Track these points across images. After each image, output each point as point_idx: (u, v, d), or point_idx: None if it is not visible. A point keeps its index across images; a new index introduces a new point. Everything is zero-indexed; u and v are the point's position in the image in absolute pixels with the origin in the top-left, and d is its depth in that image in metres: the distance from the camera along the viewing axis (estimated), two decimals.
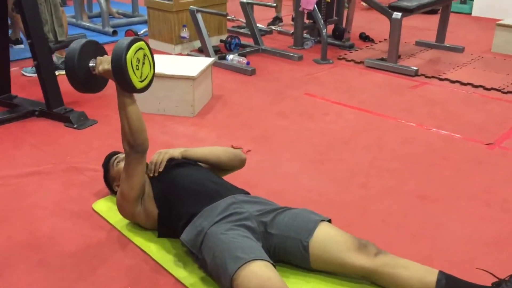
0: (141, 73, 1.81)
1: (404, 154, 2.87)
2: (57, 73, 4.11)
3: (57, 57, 4.25)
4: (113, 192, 2.31)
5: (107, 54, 1.91)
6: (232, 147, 2.88)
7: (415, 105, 3.64)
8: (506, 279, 1.66)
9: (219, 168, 2.20)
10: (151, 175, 2.03)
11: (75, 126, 3.18)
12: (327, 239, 1.74)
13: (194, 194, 1.93)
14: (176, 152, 2.11)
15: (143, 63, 1.82)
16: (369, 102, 3.69)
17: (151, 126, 3.22)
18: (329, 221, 1.86)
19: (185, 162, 2.13)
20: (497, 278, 1.67)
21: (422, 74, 4.29)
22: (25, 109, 3.33)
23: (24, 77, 4.17)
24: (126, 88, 1.80)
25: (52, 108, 3.27)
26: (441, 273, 1.65)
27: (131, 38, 1.79)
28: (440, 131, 3.19)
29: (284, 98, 3.78)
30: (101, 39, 5.34)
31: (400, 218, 2.25)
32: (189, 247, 1.81)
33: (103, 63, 1.82)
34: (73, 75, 1.85)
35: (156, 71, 3.30)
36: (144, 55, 1.82)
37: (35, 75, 3.60)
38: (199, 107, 3.50)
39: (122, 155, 2.20)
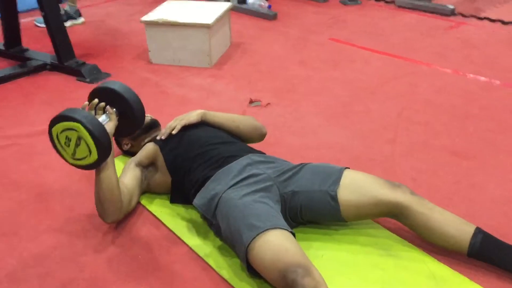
0: (74, 152, 1.57)
1: (437, 105, 2.64)
2: (70, 23, 3.98)
3: (69, 6, 4.07)
4: (123, 151, 2.19)
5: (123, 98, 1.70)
6: (251, 100, 2.71)
7: (451, 49, 3.35)
8: None
9: (236, 136, 2.04)
10: (163, 138, 1.89)
11: (87, 80, 3.04)
12: (356, 183, 1.63)
13: (207, 158, 1.78)
14: (193, 116, 1.94)
15: (78, 145, 1.55)
16: (400, 46, 3.42)
17: (166, 78, 3.07)
18: None
19: (198, 124, 1.98)
20: None
21: (459, 13, 3.94)
22: (36, 63, 3.20)
23: (37, 28, 4.03)
24: None
25: (63, 62, 3.14)
26: (479, 228, 1.55)
27: (65, 114, 1.54)
28: (478, 77, 2.92)
29: (308, 44, 3.54)
30: None
31: (432, 177, 2.07)
32: (203, 212, 1.69)
33: None
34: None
35: (169, 19, 3.16)
36: (80, 138, 1.54)
37: None
38: (217, 56, 3.30)
39: None
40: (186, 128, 1.92)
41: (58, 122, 1.56)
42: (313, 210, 1.67)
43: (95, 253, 1.72)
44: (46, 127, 2.50)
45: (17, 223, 1.88)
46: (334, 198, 1.62)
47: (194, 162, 1.79)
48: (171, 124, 1.93)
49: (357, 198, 1.61)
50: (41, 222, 1.89)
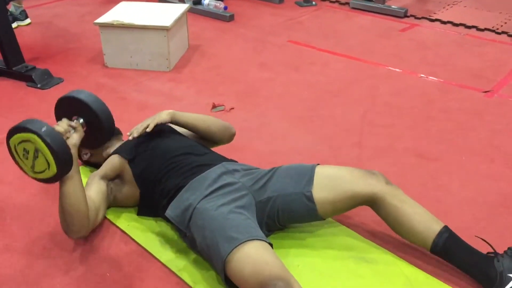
0: (33, 164, 1.48)
1: (398, 107, 2.68)
2: (15, 24, 3.78)
3: (14, 6, 3.86)
4: (82, 161, 2.07)
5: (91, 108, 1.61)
6: (214, 105, 2.66)
7: (406, 50, 3.42)
8: (502, 253, 1.54)
9: (206, 138, 1.98)
10: (135, 135, 1.77)
11: (38, 85, 2.88)
12: (329, 179, 1.63)
13: (179, 167, 1.71)
14: (164, 115, 1.84)
15: (36, 157, 1.47)
16: (357, 48, 3.46)
17: (123, 83, 2.96)
18: None
19: (165, 131, 1.90)
20: (494, 249, 1.57)
21: (411, 15, 4.04)
22: None
23: None
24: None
25: (12, 66, 2.95)
26: (446, 227, 1.58)
27: (21, 125, 1.45)
28: (435, 78, 2.99)
29: (267, 46, 3.51)
30: None
31: (399, 179, 2.04)
32: (176, 223, 1.62)
33: None
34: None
35: (126, 21, 3.05)
36: (37, 150, 1.45)
37: None
38: (175, 60, 3.21)
39: None
40: (153, 137, 1.84)
41: (15, 134, 1.47)
42: (291, 213, 1.66)
43: (60, 274, 1.61)
44: None
45: None
46: (310, 198, 1.61)
47: (165, 172, 1.71)
48: (142, 123, 1.83)
49: (332, 195, 1.61)
50: None
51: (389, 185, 1.63)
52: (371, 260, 1.65)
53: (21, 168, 1.54)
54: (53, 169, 1.47)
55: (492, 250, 1.57)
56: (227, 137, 2.01)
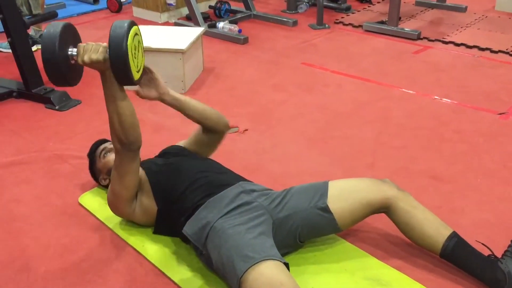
0: (138, 62, 1.55)
1: (412, 128, 2.68)
2: (35, 48, 3.86)
3: (34, 31, 3.96)
4: (99, 184, 2.11)
5: (80, 40, 1.66)
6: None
7: (420, 72, 3.43)
8: (502, 256, 1.63)
9: (202, 125, 1.95)
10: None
11: (57, 107, 2.95)
12: (343, 190, 1.71)
13: (198, 186, 1.74)
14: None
15: (138, 51, 1.55)
16: (371, 70, 3.47)
17: (139, 105, 2.96)
18: None
19: (182, 153, 1.94)
20: (493, 253, 1.65)
21: (424, 38, 4.05)
22: (1, 90, 3.08)
23: (0, 53, 3.90)
24: (124, 80, 1.52)
25: (31, 89, 3.03)
26: (455, 232, 1.65)
27: (127, 22, 1.49)
28: (448, 100, 2.99)
29: (280, 68, 3.55)
30: (81, 8, 5.04)
31: None
32: (193, 241, 1.64)
33: (89, 52, 1.52)
34: (53, 67, 1.55)
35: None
36: (139, 42, 1.56)
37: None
38: (190, 82, 3.26)
39: (111, 145, 1.99)
40: (173, 157, 1.89)
41: (129, 32, 1.48)
42: (310, 227, 1.69)
43: None
44: (14, 158, 2.44)
45: None
46: (327, 209, 1.66)
47: (184, 190, 1.74)
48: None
49: (348, 204, 1.68)
50: (14, 261, 1.78)
51: (400, 191, 1.70)
52: (386, 282, 1.64)
53: (131, 76, 1.49)
54: (143, 58, 1.61)
55: (491, 253, 1.64)
56: (222, 126, 1.96)
